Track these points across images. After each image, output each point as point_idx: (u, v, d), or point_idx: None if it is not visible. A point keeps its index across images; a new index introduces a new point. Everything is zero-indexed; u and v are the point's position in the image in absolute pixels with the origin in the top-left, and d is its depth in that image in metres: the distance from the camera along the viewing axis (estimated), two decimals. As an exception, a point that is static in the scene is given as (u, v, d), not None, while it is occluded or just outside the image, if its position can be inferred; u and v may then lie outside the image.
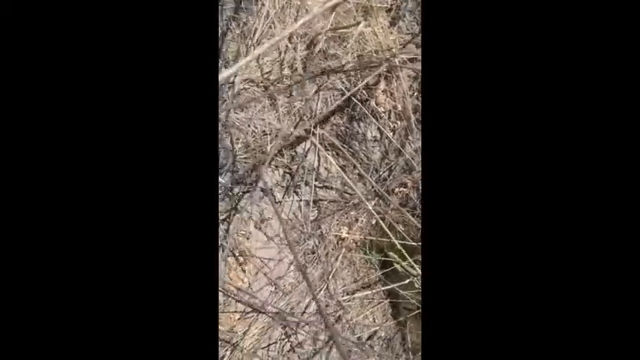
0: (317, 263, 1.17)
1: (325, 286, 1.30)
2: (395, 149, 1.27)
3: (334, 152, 1.13)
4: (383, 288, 1.56)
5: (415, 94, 1.15)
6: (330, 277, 1.32)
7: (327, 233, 1.23)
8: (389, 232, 1.47)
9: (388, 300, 1.64)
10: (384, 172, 1.33)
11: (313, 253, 1.20)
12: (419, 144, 1.31)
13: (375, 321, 1.54)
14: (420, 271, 1.48)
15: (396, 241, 1.55)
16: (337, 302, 1.36)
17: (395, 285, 1.54)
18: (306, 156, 1.01)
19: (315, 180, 1.13)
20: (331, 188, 1.18)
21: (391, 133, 1.21)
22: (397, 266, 1.52)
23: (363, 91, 1.02)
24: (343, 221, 1.28)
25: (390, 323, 1.61)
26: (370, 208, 1.37)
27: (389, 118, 1.14)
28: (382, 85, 1.02)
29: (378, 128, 1.14)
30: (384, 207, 1.45)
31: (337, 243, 1.29)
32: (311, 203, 1.12)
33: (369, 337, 1.50)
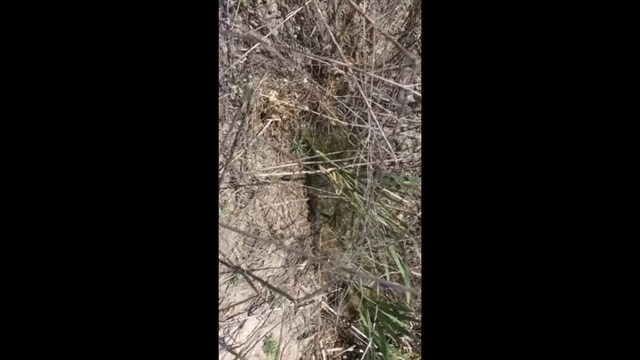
0: (237, 120, 1.03)
1: (243, 153, 1.16)
2: (344, 17, 1.16)
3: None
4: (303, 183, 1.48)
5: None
6: (250, 145, 1.19)
7: (255, 89, 1.08)
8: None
9: (306, 200, 1.58)
10: (326, 44, 1.22)
11: (234, 105, 1.05)
12: (374, 19, 1.22)
13: (290, 215, 1.46)
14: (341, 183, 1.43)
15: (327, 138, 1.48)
16: (253, 177, 1.24)
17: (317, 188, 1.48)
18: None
19: (251, 6, 0.97)
20: (269, 37, 1.03)
21: (343, -9, 1.09)
22: (322, 168, 1.45)
23: None
24: (274, 85, 1.14)
25: (305, 223, 1.55)
26: (306, 81, 1.26)
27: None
28: None
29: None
30: (319, 89, 1.35)
31: (264, 106, 1.16)
32: (238, 46, 0.96)
33: (282, 228, 1.42)
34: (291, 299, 1.04)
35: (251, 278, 0.98)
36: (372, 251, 1.43)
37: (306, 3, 1.01)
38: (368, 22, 0.95)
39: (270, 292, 1.31)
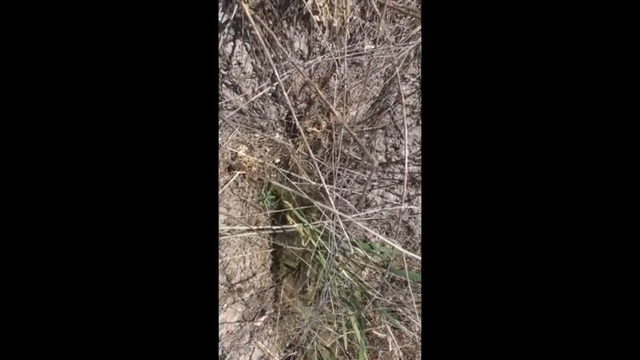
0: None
1: (205, 205, 1.12)
2: (319, 80, 1.18)
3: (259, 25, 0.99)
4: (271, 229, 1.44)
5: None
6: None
7: (224, 143, 1.07)
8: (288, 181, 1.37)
9: (271, 251, 1.53)
10: (302, 100, 1.23)
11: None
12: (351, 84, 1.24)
13: (251, 266, 1.41)
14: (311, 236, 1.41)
15: (296, 191, 1.46)
16: (215, 230, 1.19)
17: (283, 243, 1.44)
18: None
19: (224, 69, 0.97)
20: (247, 76, 1.03)
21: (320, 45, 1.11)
22: (289, 217, 1.43)
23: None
24: (244, 139, 1.13)
25: (267, 274, 1.50)
26: (277, 138, 1.26)
27: (323, 31, 1.04)
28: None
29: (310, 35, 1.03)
30: (291, 146, 1.34)
31: (232, 158, 1.14)
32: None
33: (241, 281, 1.36)
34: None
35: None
36: (333, 312, 1.38)
37: (284, 71, 1.02)
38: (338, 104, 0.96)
39: (222, 351, 1.24)
